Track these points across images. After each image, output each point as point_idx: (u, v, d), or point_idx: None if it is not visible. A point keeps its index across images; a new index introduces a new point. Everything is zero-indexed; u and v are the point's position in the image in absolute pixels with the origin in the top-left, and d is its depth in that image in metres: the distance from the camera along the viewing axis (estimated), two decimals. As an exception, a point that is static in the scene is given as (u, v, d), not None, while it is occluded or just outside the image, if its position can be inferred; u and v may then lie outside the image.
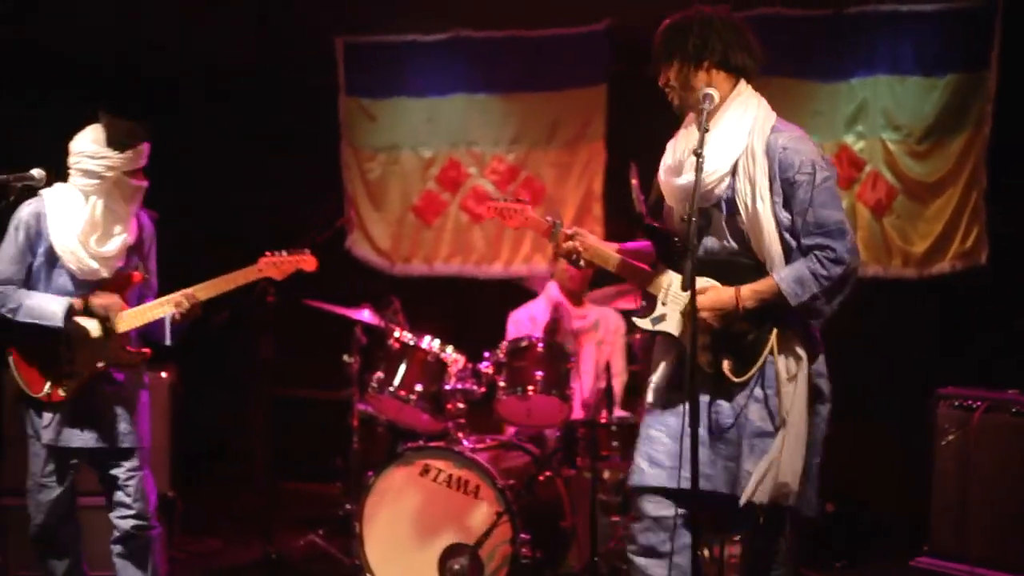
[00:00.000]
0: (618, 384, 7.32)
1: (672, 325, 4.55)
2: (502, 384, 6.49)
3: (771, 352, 4.39)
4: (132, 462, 5.45)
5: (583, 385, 6.77)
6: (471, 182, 8.97)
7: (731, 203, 4.45)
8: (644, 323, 4.61)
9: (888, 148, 8.02)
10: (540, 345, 6.50)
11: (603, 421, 6.54)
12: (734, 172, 4.42)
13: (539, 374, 6.42)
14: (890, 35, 8.02)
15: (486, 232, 8.96)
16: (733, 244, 4.48)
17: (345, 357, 7.45)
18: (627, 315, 7.13)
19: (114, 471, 5.44)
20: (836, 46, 8.12)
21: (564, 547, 6.64)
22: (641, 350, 6.64)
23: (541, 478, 6.48)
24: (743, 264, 4.45)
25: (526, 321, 7.50)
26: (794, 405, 4.36)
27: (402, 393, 6.53)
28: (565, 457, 6.71)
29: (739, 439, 4.41)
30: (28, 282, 5.39)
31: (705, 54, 4.47)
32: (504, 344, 6.62)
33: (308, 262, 5.59)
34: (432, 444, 6.40)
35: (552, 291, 7.60)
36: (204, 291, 5.41)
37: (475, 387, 6.55)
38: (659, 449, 4.52)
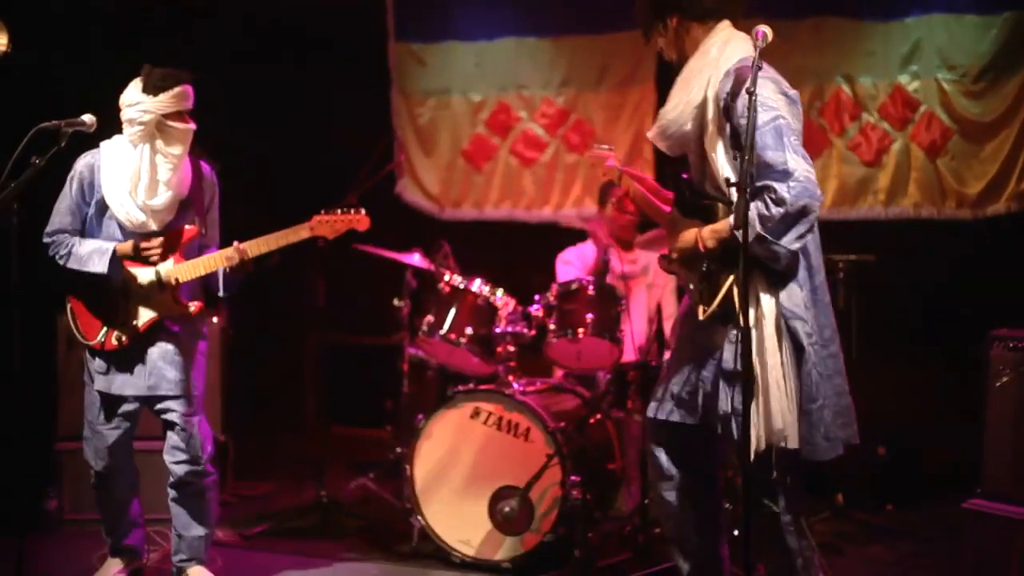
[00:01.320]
0: (669, 327, 7.29)
1: (676, 266, 4.63)
2: (552, 327, 6.46)
3: (731, 293, 4.36)
4: (185, 407, 5.49)
5: (634, 328, 6.74)
6: (521, 126, 8.94)
7: (705, 149, 4.48)
8: (663, 263, 4.67)
9: (943, 88, 7.91)
10: (590, 287, 6.46)
11: (654, 364, 6.52)
12: (700, 120, 4.47)
13: (589, 316, 6.38)
14: (946, -29, 7.91)
15: (536, 176, 8.94)
16: (709, 188, 4.51)
17: (395, 301, 7.45)
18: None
19: (168, 416, 5.50)
20: (891, -16, 8.02)
21: (614, 489, 6.66)
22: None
23: (591, 420, 6.49)
24: (717, 207, 4.46)
25: (575, 262, 7.47)
26: (764, 349, 4.32)
27: (452, 336, 6.53)
28: (615, 400, 6.70)
29: (715, 378, 4.46)
30: (82, 233, 5.47)
31: (665, 13, 4.59)
32: (554, 287, 6.60)
33: (361, 222, 5.58)
34: (482, 387, 6.41)
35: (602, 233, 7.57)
36: (255, 247, 5.43)
37: (525, 330, 6.53)
38: (661, 386, 4.71)
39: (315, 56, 9.14)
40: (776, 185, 4.19)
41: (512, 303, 6.58)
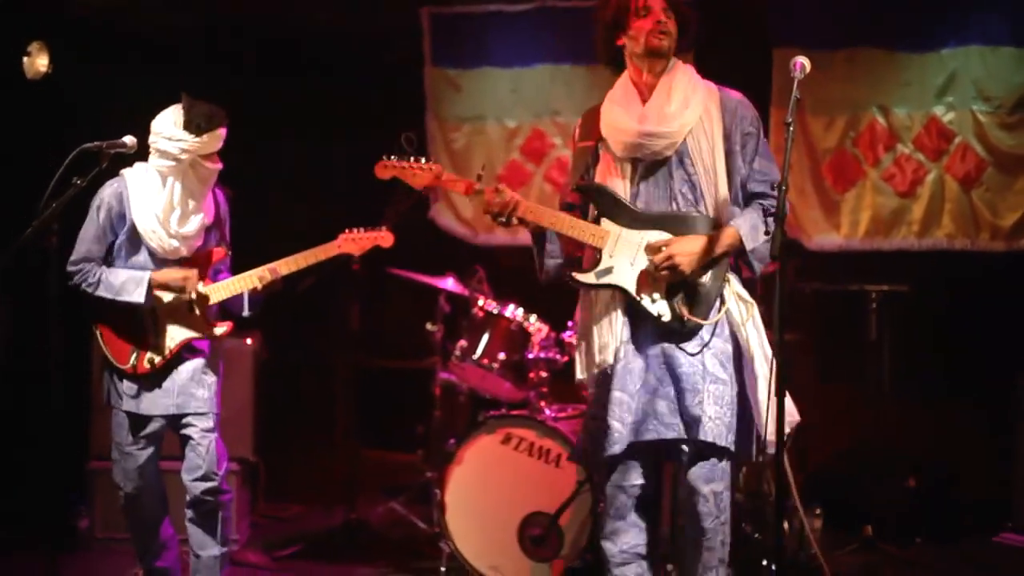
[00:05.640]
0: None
1: (621, 278, 4.67)
2: (585, 353, 6.48)
3: (724, 298, 4.61)
4: (205, 424, 5.57)
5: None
6: (555, 152, 8.93)
7: (685, 158, 4.63)
8: (587, 277, 4.76)
9: (978, 120, 7.86)
10: (623, 315, 6.46)
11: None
12: (697, 132, 4.65)
13: (621, 344, 6.38)
14: (982, 4, 7.84)
15: (570, 203, 8.93)
16: (686, 197, 4.65)
17: (428, 325, 7.46)
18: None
19: (187, 431, 5.56)
20: (926, 16, 7.96)
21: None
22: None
23: (622, 448, 6.47)
24: (694, 217, 4.61)
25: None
26: (755, 347, 4.57)
27: (485, 361, 6.56)
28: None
29: (697, 386, 4.53)
30: (107, 259, 5.52)
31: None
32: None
33: (385, 239, 5.72)
34: (514, 413, 6.41)
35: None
36: (286, 266, 5.53)
37: (558, 356, 6.56)
38: (627, 411, 4.64)
39: (350, 80, 9.17)
40: (773, 195, 4.56)
41: (545, 329, 6.61)
